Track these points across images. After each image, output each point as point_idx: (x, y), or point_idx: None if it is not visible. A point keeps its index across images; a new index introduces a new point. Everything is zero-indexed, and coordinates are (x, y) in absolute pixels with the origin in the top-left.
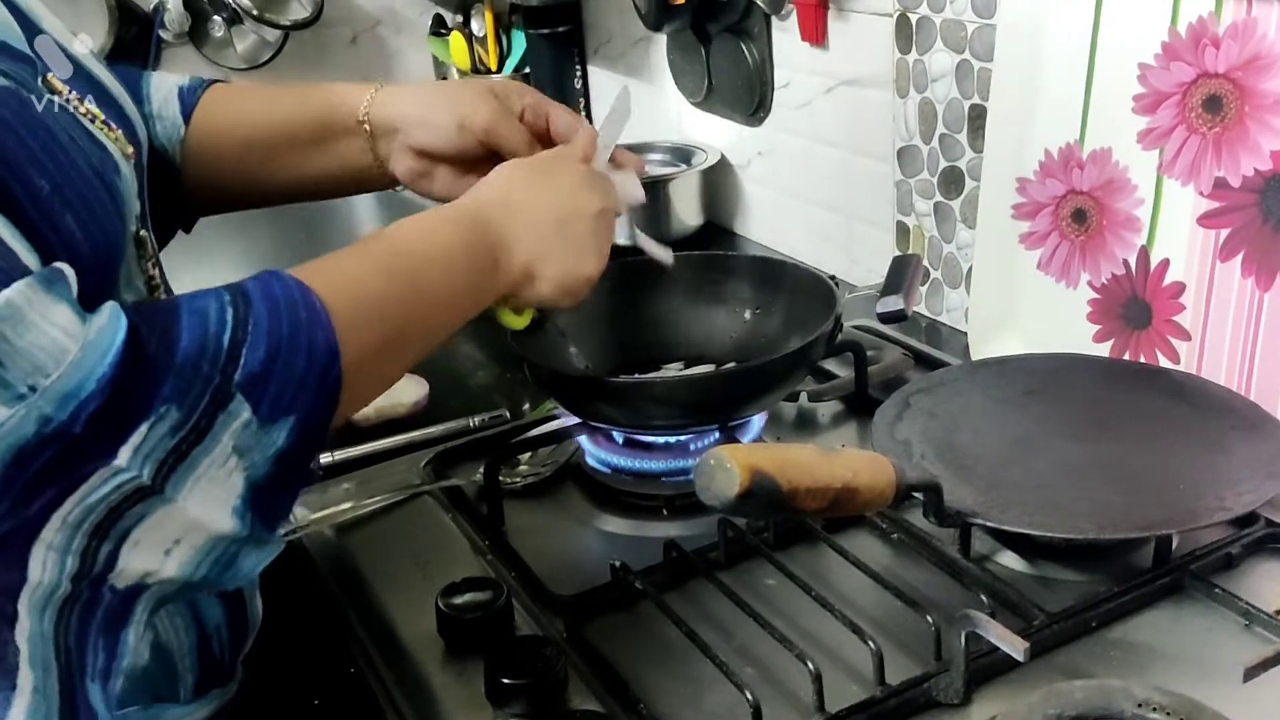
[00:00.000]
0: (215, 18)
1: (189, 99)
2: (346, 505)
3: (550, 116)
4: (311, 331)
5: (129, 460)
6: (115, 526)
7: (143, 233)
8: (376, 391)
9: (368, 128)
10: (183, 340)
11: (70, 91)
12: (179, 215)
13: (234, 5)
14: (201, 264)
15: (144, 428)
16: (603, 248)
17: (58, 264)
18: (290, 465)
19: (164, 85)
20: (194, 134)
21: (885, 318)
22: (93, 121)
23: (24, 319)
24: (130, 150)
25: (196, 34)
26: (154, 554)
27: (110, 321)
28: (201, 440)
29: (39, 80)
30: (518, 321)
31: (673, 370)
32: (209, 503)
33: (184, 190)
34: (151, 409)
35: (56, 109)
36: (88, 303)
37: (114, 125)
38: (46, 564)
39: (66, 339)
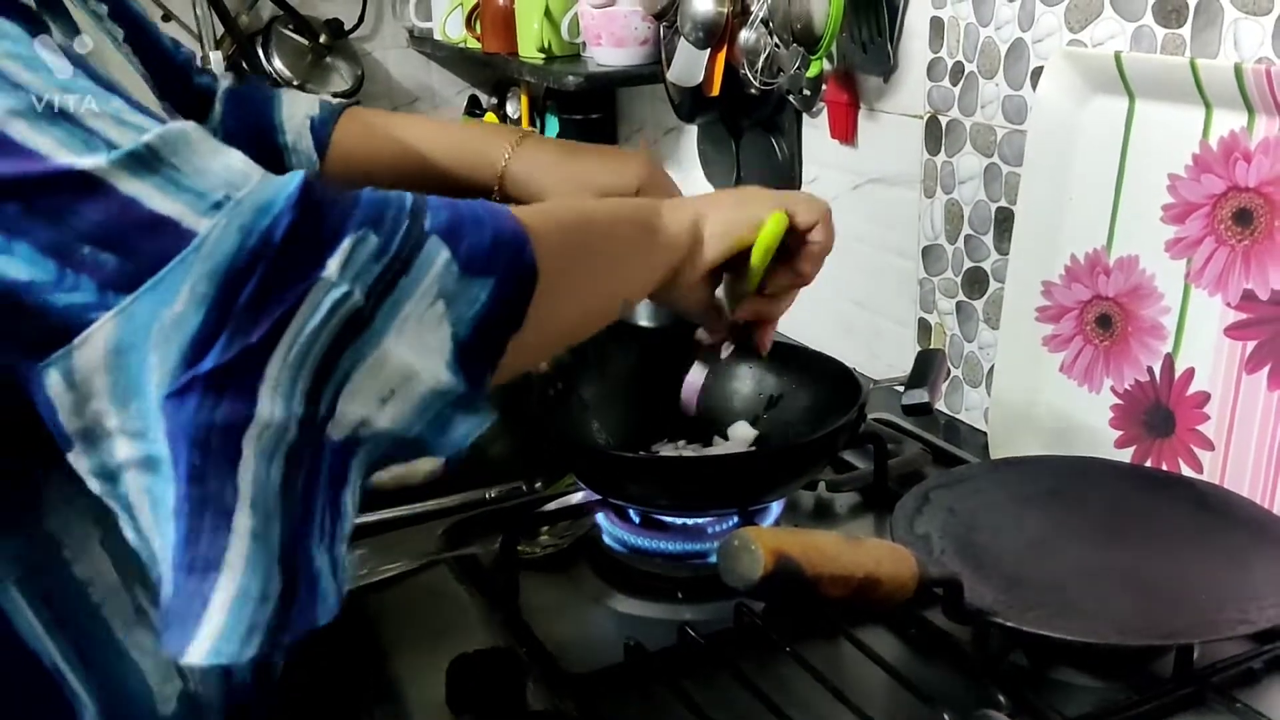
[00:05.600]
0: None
1: (321, 132)
2: (362, 570)
3: None
4: (495, 215)
5: (339, 274)
6: (336, 367)
7: None
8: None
9: (496, 194)
10: (362, 194)
11: None
12: None
13: (275, 75)
14: None
15: (346, 244)
16: (773, 201)
17: None
18: (492, 333)
19: (296, 115)
20: (327, 173)
21: (910, 410)
22: None
23: (200, 147)
24: None
25: None
26: (370, 401)
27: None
28: (406, 271)
29: None
30: (765, 238)
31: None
32: (420, 348)
33: None
34: (348, 229)
35: None
36: None
37: None
38: (276, 402)
39: (247, 166)
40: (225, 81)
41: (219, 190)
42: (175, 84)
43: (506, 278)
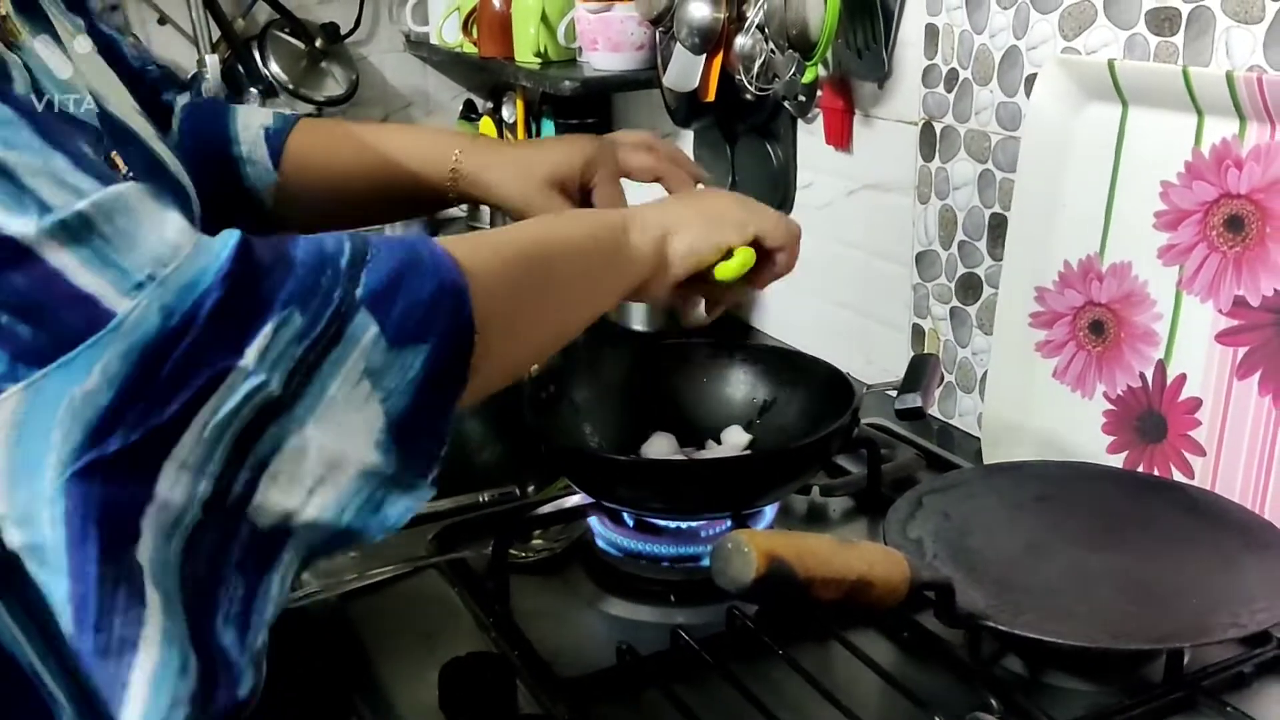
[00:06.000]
0: (251, 89)
1: (275, 140)
2: (352, 575)
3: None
4: (437, 265)
5: (256, 363)
6: (252, 450)
7: None
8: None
9: (451, 188)
10: (299, 254)
11: (128, 171)
12: None
13: (271, 79)
14: None
15: (268, 328)
16: (743, 227)
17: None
18: (431, 399)
19: (251, 126)
20: (285, 180)
21: (903, 414)
22: None
23: (135, 214)
24: None
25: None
26: (295, 491)
27: (221, 234)
28: (329, 352)
29: (102, 156)
30: (728, 269)
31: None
32: (345, 432)
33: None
34: (273, 308)
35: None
36: None
37: None
38: (178, 483)
39: (180, 236)
40: (182, 99)
41: (145, 268)
42: (144, 101)
43: (441, 341)
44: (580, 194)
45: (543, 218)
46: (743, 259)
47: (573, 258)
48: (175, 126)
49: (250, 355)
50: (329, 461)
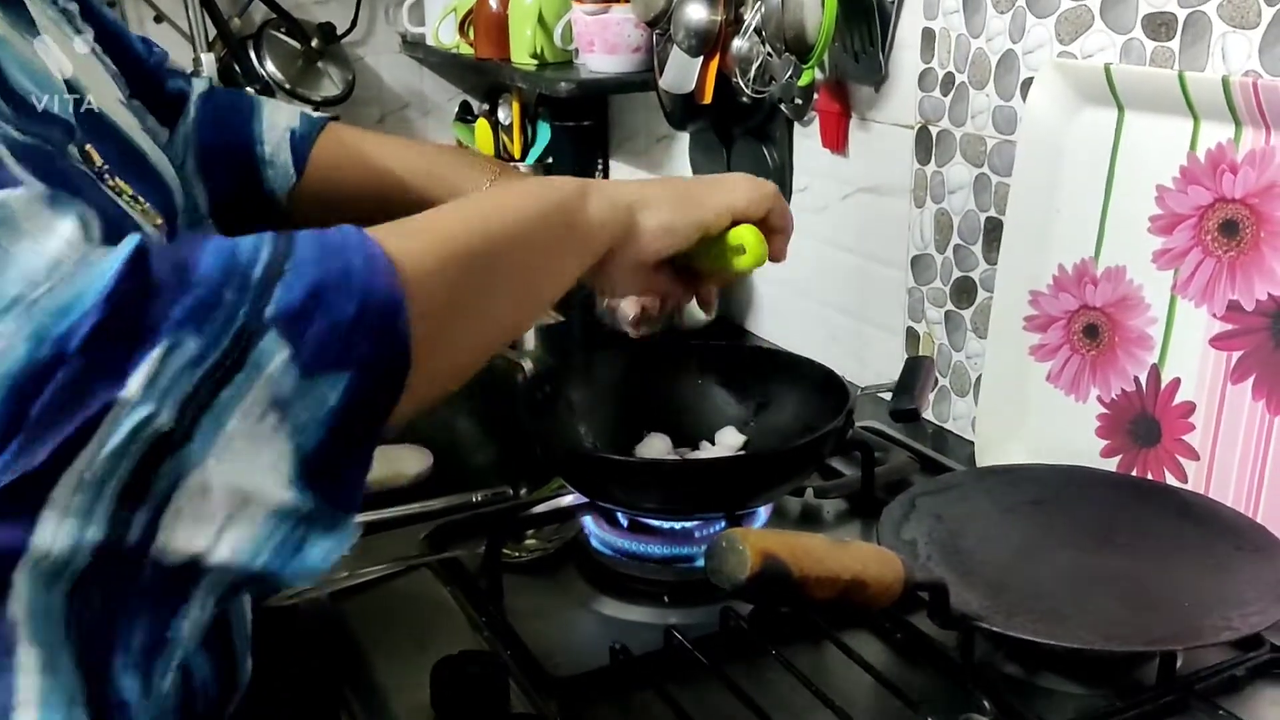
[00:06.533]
0: (248, 89)
1: (301, 146)
2: (344, 573)
3: None
4: (368, 279)
5: (142, 392)
6: (149, 489)
7: None
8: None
9: None
10: (201, 266)
11: (104, 164)
12: None
13: (267, 78)
14: None
15: (155, 354)
16: (719, 208)
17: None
18: (349, 435)
19: (277, 126)
20: (308, 187)
21: (898, 416)
22: (119, 195)
23: (17, 226)
24: (159, 221)
25: None
26: (203, 530)
27: (120, 244)
28: (230, 380)
29: (75, 149)
30: (752, 258)
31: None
32: (251, 468)
33: None
34: (161, 332)
35: (83, 177)
36: None
37: (142, 199)
38: (59, 533)
39: (64, 250)
40: (200, 86)
41: (14, 286)
42: (147, 88)
43: (367, 367)
44: None
45: (488, 195)
46: (758, 245)
47: (525, 236)
48: (191, 115)
49: (134, 385)
50: (237, 500)
